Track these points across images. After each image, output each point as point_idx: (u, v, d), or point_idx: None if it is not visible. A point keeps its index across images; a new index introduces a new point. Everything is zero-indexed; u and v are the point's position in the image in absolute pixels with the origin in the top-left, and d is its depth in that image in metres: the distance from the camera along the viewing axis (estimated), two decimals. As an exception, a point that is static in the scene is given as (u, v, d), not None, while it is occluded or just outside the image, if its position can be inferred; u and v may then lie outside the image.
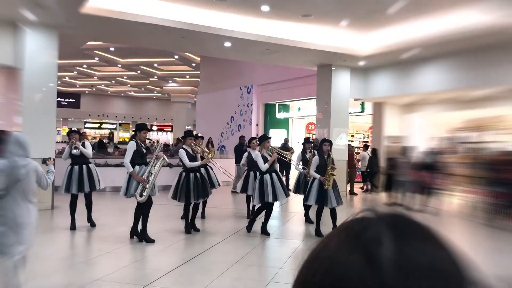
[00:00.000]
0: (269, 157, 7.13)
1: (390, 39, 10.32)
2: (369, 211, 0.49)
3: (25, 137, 3.82)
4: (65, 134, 7.70)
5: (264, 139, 7.43)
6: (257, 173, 7.41)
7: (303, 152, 8.36)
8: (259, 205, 7.30)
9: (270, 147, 7.36)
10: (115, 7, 8.52)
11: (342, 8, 8.72)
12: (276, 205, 10.85)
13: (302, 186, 8.16)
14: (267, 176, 7.11)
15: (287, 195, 7.36)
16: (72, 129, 7.60)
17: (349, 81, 12.95)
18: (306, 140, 8.69)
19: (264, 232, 7.24)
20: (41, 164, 4.14)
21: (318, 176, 7.17)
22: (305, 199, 7.39)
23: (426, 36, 9.57)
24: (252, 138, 9.11)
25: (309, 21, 9.61)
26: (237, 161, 11.34)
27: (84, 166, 7.41)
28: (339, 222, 7.86)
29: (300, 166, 8.26)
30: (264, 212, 7.26)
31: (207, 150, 7.49)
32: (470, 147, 11.02)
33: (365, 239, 0.45)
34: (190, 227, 7.20)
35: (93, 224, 7.53)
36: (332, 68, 12.64)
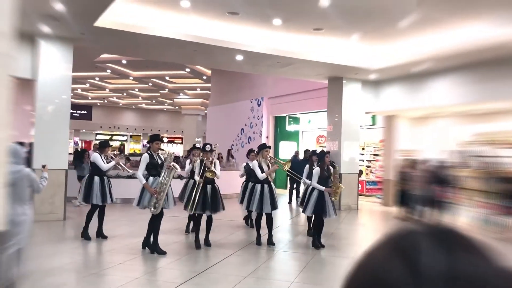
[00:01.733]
0: (265, 167, 7.16)
1: (401, 52, 10.33)
2: (414, 223, 0.50)
3: (18, 147, 4.38)
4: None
5: (262, 148, 7.47)
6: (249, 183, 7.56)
7: (310, 164, 8.34)
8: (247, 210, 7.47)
9: (269, 156, 7.36)
10: (129, 21, 8.65)
11: (353, 22, 8.76)
12: (287, 217, 10.83)
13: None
14: (258, 186, 7.15)
15: (273, 208, 7.30)
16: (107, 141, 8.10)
17: (360, 94, 12.96)
18: (313, 153, 8.68)
19: (270, 242, 7.26)
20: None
21: (323, 188, 7.16)
22: (304, 210, 7.41)
23: (438, 50, 9.57)
24: (251, 150, 9.22)
25: (320, 34, 9.66)
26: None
27: (105, 178, 7.57)
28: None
29: (306, 179, 8.24)
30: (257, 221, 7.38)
31: (211, 166, 7.41)
32: (482, 161, 10.91)
33: (410, 250, 0.45)
34: (199, 242, 7.07)
35: (104, 236, 7.56)
36: (343, 81, 12.66)
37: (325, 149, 12.70)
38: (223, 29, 9.40)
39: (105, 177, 7.57)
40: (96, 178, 7.46)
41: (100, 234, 7.56)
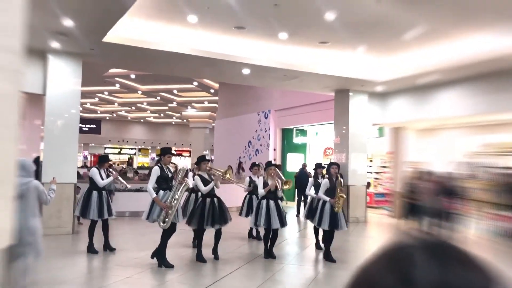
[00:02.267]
0: (259, 183, 7.19)
1: (407, 64, 10.36)
2: (408, 235, 0.52)
3: (27, 160, 4.60)
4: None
5: (268, 165, 7.54)
6: (253, 196, 7.61)
7: (315, 177, 8.33)
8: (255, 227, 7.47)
9: (273, 174, 7.34)
10: (137, 36, 8.77)
11: (359, 35, 8.82)
12: (295, 230, 10.78)
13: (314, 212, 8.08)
14: (263, 202, 7.16)
15: (283, 225, 7.27)
16: (106, 157, 8.11)
17: (366, 106, 12.96)
18: (318, 165, 8.69)
19: (270, 255, 7.24)
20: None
21: (327, 198, 7.17)
22: (318, 224, 7.36)
23: (444, 61, 9.58)
24: (254, 164, 9.30)
25: (326, 47, 9.73)
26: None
27: (103, 192, 7.55)
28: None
29: (313, 191, 8.20)
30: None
31: (221, 171, 7.42)
32: (489, 172, 10.83)
33: (404, 263, 0.47)
34: (203, 256, 7.04)
35: (112, 249, 7.59)
36: (350, 93, 12.69)
37: (332, 161, 12.69)
38: (230, 43, 9.50)
39: (103, 192, 7.52)
40: (94, 193, 7.42)
41: (108, 247, 7.58)
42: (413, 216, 10.49)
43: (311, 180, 8.30)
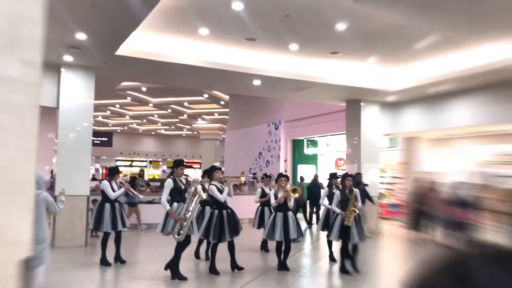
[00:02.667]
0: (281, 196, 7.13)
1: (419, 73, 10.31)
2: (437, 246, 0.49)
3: (40, 174, 4.64)
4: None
5: (279, 177, 7.52)
6: (271, 209, 7.50)
7: (330, 187, 8.25)
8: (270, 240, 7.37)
9: (284, 185, 7.30)
10: (149, 49, 8.86)
11: (370, 45, 8.81)
12: (308, 242, 10.69)
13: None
14: (279, 214, 7.09)
15: (299, 235, 7.23)
16: (116, 169, 8.26)
17: (378, 116, 12.90)
18: (333, 175, 8.59)
19: (284, 267, 7.16)
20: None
21: (338, 211, 7.11)
22: (328, 234, 7.31)
23: (456, 70, 9.51)
24: (265, 175, 9.30)
25: (337, 57, 9.73)
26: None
27: (116, 204, 7.56)
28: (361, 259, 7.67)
29: (326, 202, 8.13)
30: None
31: (236, 176, 7.41)
32: (503, 181, 10.68)
33: (465, 273, 0.44)
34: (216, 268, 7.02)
35: (122, 261, 7.59)
36: (361, 104, 12.64)
37: (344, 172, 12.61)
38: (241, 55, 9.54)
39: (116, 204, 7.53)
40: (107, 205, 7.43)
41: (118, 259, 7.58)
42: (425, 226, 10.37)
43: (325, 190, 8.23)
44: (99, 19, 6.83)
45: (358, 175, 10.47)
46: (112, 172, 7.97)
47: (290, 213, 7.17)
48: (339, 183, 8.08)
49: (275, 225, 7.05)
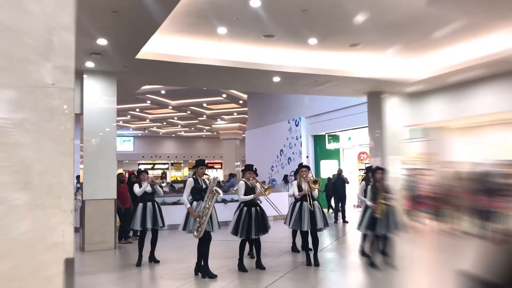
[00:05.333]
0: (305, 187, 7.09)
1: (443, 61, 10.13)
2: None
3: None
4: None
5: (299, 168, 7.55)
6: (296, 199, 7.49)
7: (367, 181, 8.14)
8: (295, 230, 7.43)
9: (305, 176, 7.31)
10: (168, 51, 8.94)
11: (390, 35, 8.70)
12: (334, 237, 10.63)
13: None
14: (305, 203, 7.11)
15: (325, 224, 7.21)
16: (143, 170, 8.50)
17: (401, 107, 12.74)
18: (369, 169, 8.49)
19: (315, 262, 7.15)
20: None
21: (369, 203, 7.10)
22: (358, 226, 7.31)
23: (481, 56, 9.32)
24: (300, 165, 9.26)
25: (357, 50, 9.64)
26: None
27: (155, 203, 7.81)
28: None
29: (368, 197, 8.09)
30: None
31: (264, 186, 7.43)
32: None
33: None
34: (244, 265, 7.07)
35: (156, 261, 7.70)
36: (383, 95, 12.50)
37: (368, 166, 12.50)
38: (260, 52, 9.54)
39: (148, 203, 7.73)
40: (149, 204, 7.69)
41: (153, 259, 7.73)
42: (452, 217, 10.21)
43: (362, 184, 8.16)
44: (119, 24, 6.93)
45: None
46: (138, 174, 8.31)
47: (315, 203, 7.18)
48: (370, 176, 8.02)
49: (302, 214, 7.07)
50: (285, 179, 16.74)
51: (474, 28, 8.37)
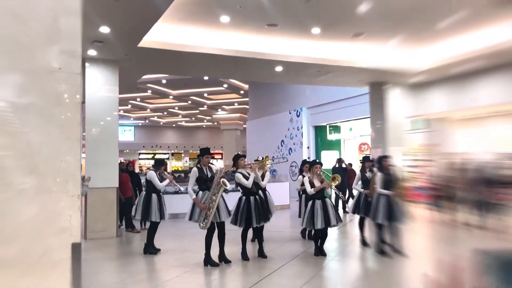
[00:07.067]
0: (317, 183, 7.09)
1: (445, 52, 10.10)
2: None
3: None
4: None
5: (312, 164, 7.45)
6: (308, 197, 7.39)
7: (362, 171, 8.15)
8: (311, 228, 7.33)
9: (319, 173, 7.26)
10: (171, 40, 8.90)
11: (394, 25, 8.66)
12: (336, 227, 10.65)
13: (362, 206, 7.93)
14: (318, 202, 7.06)
15: (338, 221, 7.20)
16: (161, 160, 8.51)
17: (403, 98, 12.72)
18: (366, 159, 8.47)
19: (321, 253, 7.17)
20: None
21: (388, 192, 7.04)
22: (373, 218, 7.22)
23: (484, 47, 9.28)
24: (304, 162, 9.14)
25: (360, 40, 9.59)
26: None
27: (161, 194, 7.79)
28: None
29: (359, 186, 8.07)
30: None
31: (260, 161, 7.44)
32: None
33: None
34: (247, 254, 7.09)
35: (156, 250, 7.73)
36: (386, 86, 12.46)
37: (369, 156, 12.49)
38: (263, 42, 9.50)
39: (161, 194, 7.75)
40: (154, 196, 7.64)
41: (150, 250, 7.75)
42: (453, 208, 10.23)
43: (358, 174, 8.15)
44: (122, 12, 6.88)
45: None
46: (158, 164, 8.17)
47: (328, 200, 7.14)
48: (371, 166, 8.00)
49: (315, 213, 6.98)
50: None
51: (478, 19, 8.32)
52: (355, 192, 8.82)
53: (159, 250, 7.71)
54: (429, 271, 6.00)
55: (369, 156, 8.91)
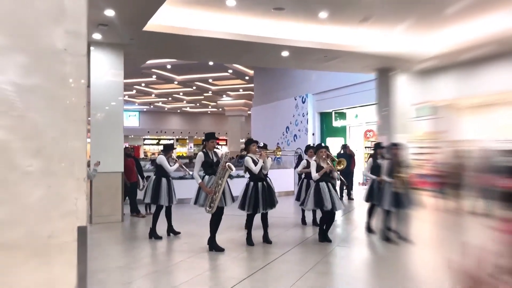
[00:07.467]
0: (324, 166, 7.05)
1: (453, 38, 9.94)
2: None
3: None
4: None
5: (318, 148, 7.40)
6: (310, 181, 7.38)
7: (374, 158, 8.07)
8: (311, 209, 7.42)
9: (325, 157, 7.22)
10: (176, 24, 8.81)
11: (402, 10, 8.52)
12: (340, 213, 10.66)
13: (375, 194, 7.87)
14: (323, 184, 7.03)
15: (340, 206, 7.18)
16: (171, 144, 8.48)
17: (410, 85, 12.59)
18: (377, 146, 8.38)
19: (326, 239, 7.17)
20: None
21: (388, 179, 7.05)
22: (380, 204, 7.21)
23: (493, 33, 9.14)
24: (308, 147, 9.12)
25: (367, 25, 9.46)
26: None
27: (170, 179, 7.81)
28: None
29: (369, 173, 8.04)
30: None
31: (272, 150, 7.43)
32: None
33: None
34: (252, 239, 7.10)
35: (176, 233, 7.85)
36: (392, 72, 12.33)
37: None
38: (269, 26, 9.39)
39: (170, 179, 7.76)
40: (164, 180, 7.66)
41: (172, 231, 7.87)
42: (460, 196, 10.18)
43: (369, 161, 8.09)
44: (127, -6, 6.80)
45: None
46: (168, 148, 8.17)
47: (331, 184, 7.12)
48: (383, 153, 7.95)
49: (323, 194, 6.96)
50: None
51: (488, 3, 8.16)
52: (360, 180, 8.76)
53: (179, 232, 7.86)
54: (453, 256, 5.98)
55: (380, 143, 8.83)
